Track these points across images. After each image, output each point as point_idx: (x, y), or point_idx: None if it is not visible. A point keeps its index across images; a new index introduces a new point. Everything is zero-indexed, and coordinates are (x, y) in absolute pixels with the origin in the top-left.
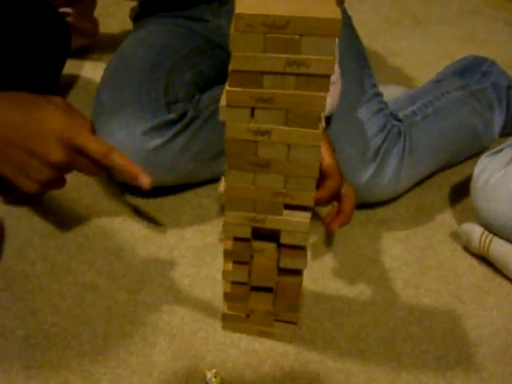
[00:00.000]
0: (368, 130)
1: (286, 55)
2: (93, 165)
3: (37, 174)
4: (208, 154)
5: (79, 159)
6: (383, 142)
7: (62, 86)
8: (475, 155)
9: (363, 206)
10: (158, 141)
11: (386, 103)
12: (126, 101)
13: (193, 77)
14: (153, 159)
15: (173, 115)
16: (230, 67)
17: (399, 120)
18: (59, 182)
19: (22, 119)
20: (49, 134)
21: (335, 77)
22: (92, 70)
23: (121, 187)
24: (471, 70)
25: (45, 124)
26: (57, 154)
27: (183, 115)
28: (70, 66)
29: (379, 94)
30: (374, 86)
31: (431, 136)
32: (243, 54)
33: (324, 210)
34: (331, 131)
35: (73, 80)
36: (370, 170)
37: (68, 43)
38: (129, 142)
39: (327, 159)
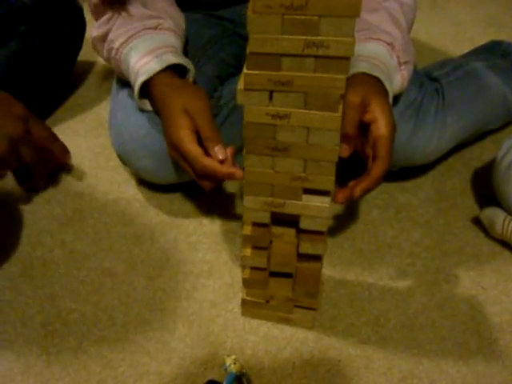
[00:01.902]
0: (407, 91)
1: (304, 37)
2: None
3: None
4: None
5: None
6: (422, 98)
7: (78, 73)
8: (505, 125)
9: (405, 170)
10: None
11: None
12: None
13: (213, 69)
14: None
15: None
16: (248, 49)
17: (434, 79)
18: None
19: None
20: None
21: (411, 56)
22: None
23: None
24: (490, 51)
25: None
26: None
27: None
28: (87, 52)
29: None
30: None
31: (465, 95)
32: (261, 36)
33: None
34: None
35: (89, 66)
36: (410, 127)
37: (83, 29)
38: (148, 141)
39: (384, 131)
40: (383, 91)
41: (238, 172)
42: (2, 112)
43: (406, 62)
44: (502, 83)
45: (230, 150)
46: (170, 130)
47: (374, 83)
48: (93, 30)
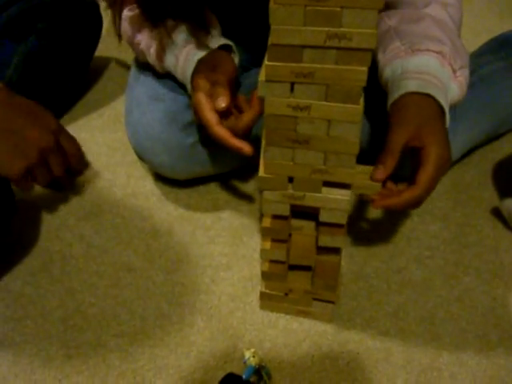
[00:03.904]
0: None
1: (326, 28)
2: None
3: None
4: None
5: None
6: None
7: (94, 69)
8: None
9: None
10: (195, 137)
11: None
12: (161, 94)
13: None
14: (190, 154)
15: None
16: (270, 41)
17: None
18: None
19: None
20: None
21: (465, 60)
22: (125, 53)
23: None
24: (509, 44)
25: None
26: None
27: None
28: (103, 48)
29: None
30: None
31: (479, 102)
32: (283, 28)
33: None
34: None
35: (106, 62)
36: None
37: (99, 26)
38: (165, 138)
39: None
40: (437, 111)
41: (246, 148)
42: (32, 122)
43: (460, 68)
44: None
45: (255, 94)
46: (192, 96)
47: (426, 103)
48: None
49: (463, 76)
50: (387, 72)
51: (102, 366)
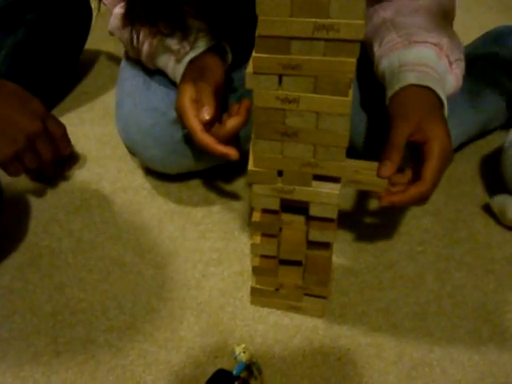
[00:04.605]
0: None
1: (314, 19)
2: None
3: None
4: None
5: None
6: None
7: (85, 61)
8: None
9: None
10: (185, 130)
11: None
12: (152, 87)
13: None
14: (181, 148)
15: None
16: (257, 32)
17: None
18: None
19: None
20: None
21: (460, 52)
22: (116, 45)
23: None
24: (503, 39)
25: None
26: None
27: None
28: (93, 41)
29: None
30: None
31: (468, 100)
32: (270, 19)
33: None
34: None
35: (96, 55)
36: None
37: (89, 18)
38: (156, 131)
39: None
40: (436, 103)
41: (232, 152)
42: (19, 108)
43: (457, 60)
44: (509, 80)
45: (245, 103)
46: (177, 99)
47: (426, 96)
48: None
49: (459, 68)
50: (384, 64)
51: (91, 361)
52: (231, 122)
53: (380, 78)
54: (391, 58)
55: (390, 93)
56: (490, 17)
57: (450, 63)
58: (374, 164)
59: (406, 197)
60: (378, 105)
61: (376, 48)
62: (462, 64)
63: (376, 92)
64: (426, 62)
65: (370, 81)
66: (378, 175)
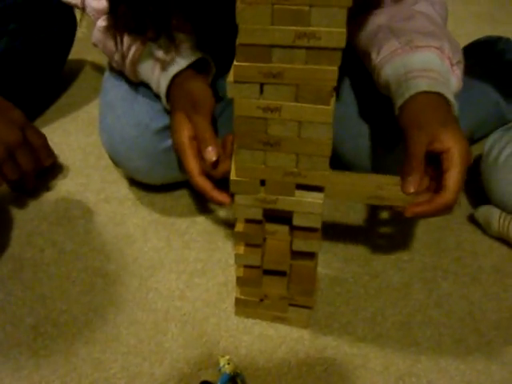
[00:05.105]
0: None
1: (295, 27)
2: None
3: None
4: None
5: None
6: None
7: (69, 72)
8: None
9: None
10: (170, 141)
11: None
12: (136, 98)
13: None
14: (165, 159)
15: None
16: (237, 41)
17: None
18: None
19: None
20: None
21: (460, 54)
22: (100, 55)
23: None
24: (486, 49)
25: None
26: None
27: None
28: (78, 51)
29: None
30: None
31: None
32: (250, 27)
33: None
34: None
35: (80, 65)
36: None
37: (73, 28)
38: (140, 142)
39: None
40: (448, 107)
41: (226, 200)
42: (0, 118)
43: (457, 62)
44: (495, 90)
45: (228, 138)
46: (173, 136)
47: (437, 102)
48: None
49: (459, 69)
50: (386, 72)
51: (73, 374)
52: (223, 167)
53: (382, 88)
54: (395, 65)
55: (399, 102)
56: (475, 27)
57: (452, 65)
58: (397, 178)
59: (432, 207)
60: (379, 115)
61: (374, 56)
62: (462, 66)
63: (375, 102)
64: (432, 66)
65: (367, 91)
66: (403, 191)
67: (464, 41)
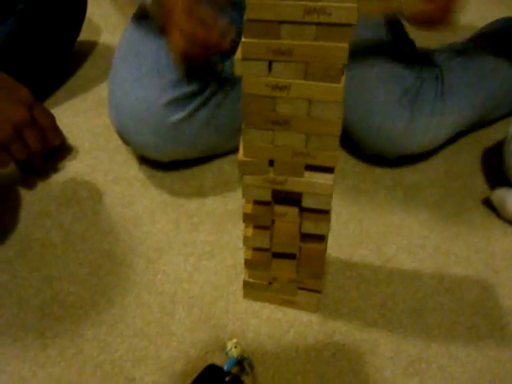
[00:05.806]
0: (404, 77)
1: (304, 2)
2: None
3: None
4: (231, 126)
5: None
6: (421, 85)
7: (79, 53)
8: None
9: (404, 158)
10: (179, 114)
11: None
12: (144, 73)
13: None
14: (174, 133)
15: (194, 87)
16: (245, 16)
17: (435, 65)
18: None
19: None
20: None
21: None
22: (110, 36)
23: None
24: (504, 32)
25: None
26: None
27: (204, 87)
28: (88, 33)
29: (413, 41)
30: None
31: (467, 81)
32: (259, 2)
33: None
34: (366, 79)
35: (89, 46)
36: (407, 115)
37: (83, 9)
38: (149, 116)
39: None
40: None
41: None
42: (5, 96)
43: None
44: (510, 70)
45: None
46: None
47: None
48: None
49: None
50: None
51: (79, 356)
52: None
53: None
54: None
55: None
56: (490, 8)
57: None
58: None
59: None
60: None
61: None
62: None
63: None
64: None
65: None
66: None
67: (477, 23)
